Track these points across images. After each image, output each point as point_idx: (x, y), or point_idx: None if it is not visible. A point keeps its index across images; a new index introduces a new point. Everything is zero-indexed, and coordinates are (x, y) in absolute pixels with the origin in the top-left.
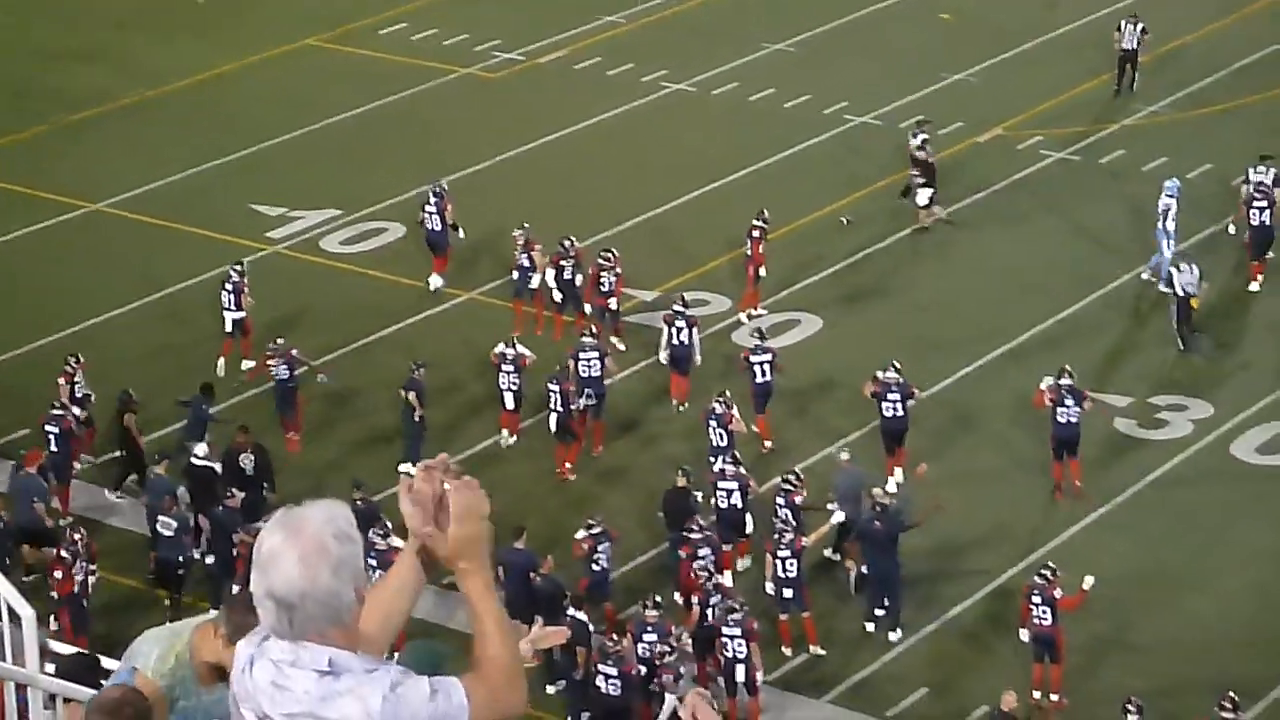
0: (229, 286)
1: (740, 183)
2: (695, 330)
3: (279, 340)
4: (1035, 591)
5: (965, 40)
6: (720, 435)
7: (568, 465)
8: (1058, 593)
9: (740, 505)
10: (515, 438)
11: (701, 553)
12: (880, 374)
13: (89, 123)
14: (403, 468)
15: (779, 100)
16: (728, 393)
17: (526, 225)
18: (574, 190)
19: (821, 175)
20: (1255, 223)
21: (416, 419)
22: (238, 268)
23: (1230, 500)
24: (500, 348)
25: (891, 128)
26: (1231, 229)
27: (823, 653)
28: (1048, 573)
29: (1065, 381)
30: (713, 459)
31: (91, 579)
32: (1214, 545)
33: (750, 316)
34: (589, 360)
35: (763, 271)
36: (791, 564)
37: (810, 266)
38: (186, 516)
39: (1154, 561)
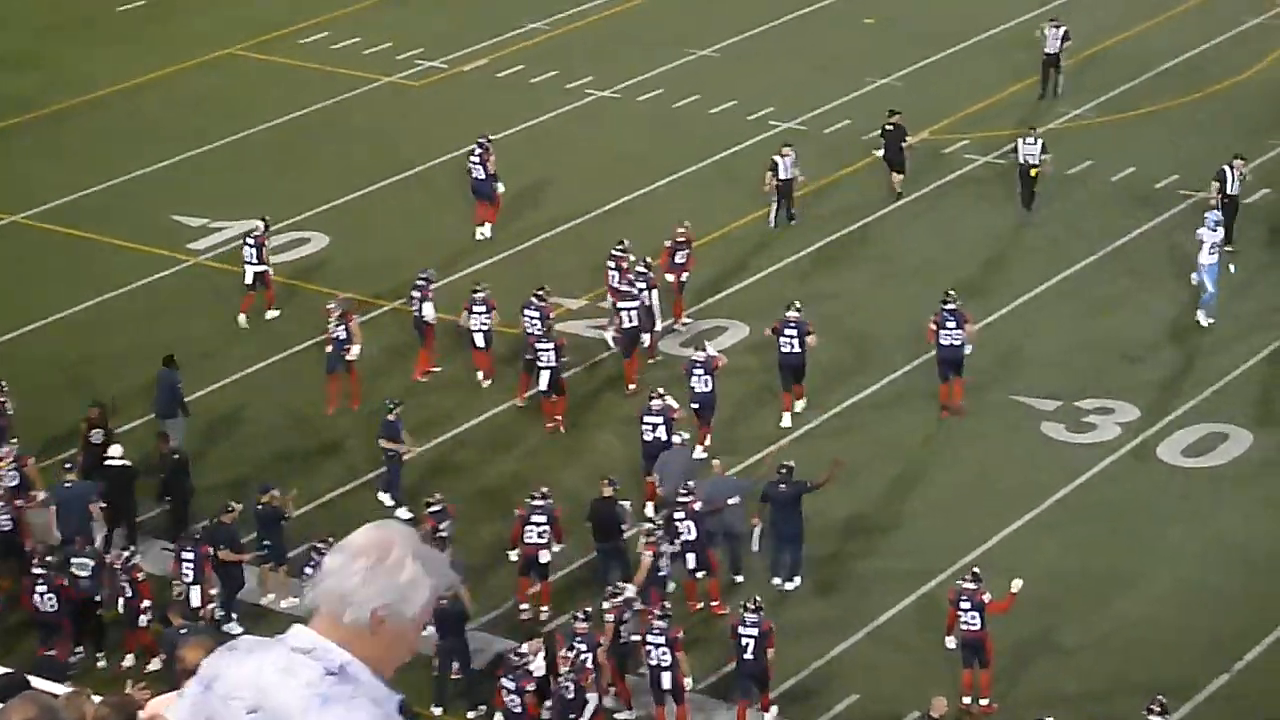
0: (250, 241)
1: (666, 189)
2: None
3: (344, 297)
4: (963, 597)
5: (890, 44)
6: (703, 381)
7: (559, 418)
8: (986, 597)
9: (665, 439)
10: (490, 380)
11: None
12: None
13: (9, 132)
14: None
15: (704, 106)
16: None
17: (428, 271)
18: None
19: (747, 181)
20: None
21: (392, 455)
22: (261, 221)
23: (1157, 502)
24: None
25: (817, 133)
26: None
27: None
28: (974, 577)
29: (949, 306)
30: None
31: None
32: (1141, 547)
33: (681, 325)
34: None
35: (685, 278)
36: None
37: (737, 273)
38: (100, 552)
39: (1081, 563)
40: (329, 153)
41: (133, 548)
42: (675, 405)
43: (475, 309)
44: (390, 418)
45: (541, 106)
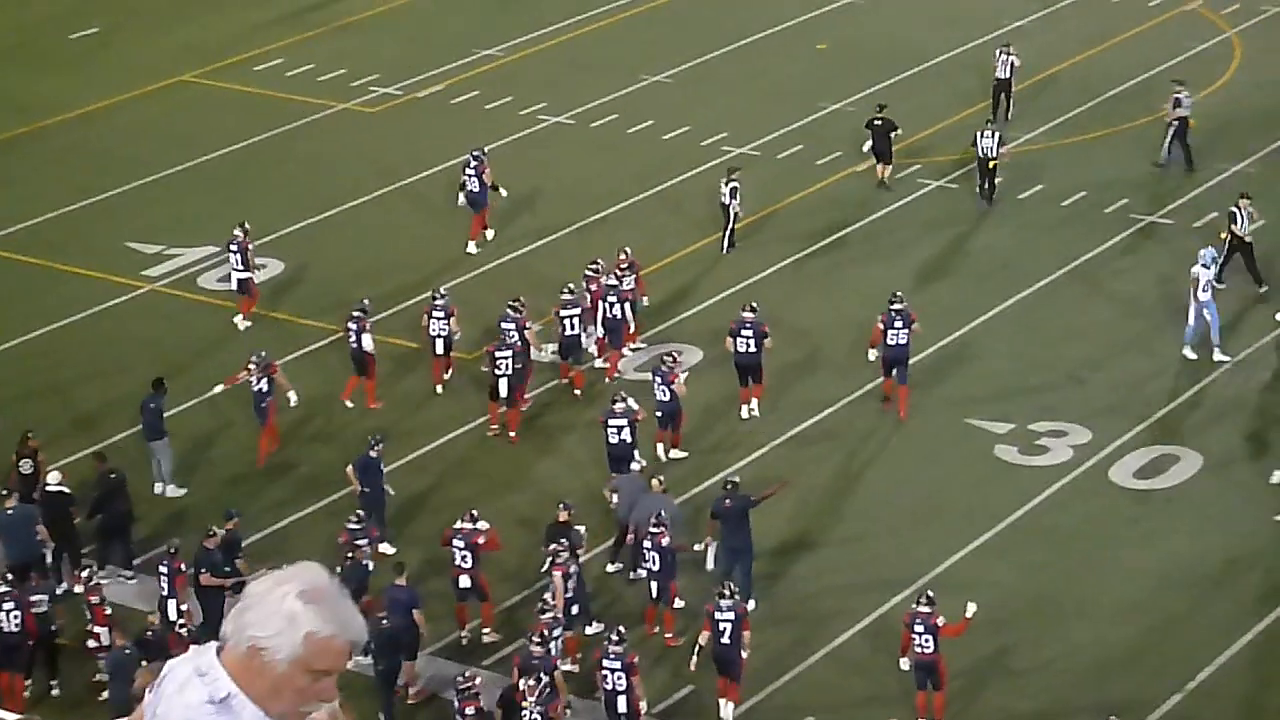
0: (234, 247)
1: (619, 215)
2: (627, 305)
3: (263, 353)
4: (917, 620)
5: (842, 70)
6: (664, 391)
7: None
8: (940, 620)
9: (629, 441)
10: (497, 428)
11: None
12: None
13: None
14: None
15: (658, 132)
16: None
17: (364, 301)
18: (454, 224)
19: (701, 207)
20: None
21: (376, 490)
22: (241, 227)
23: (1109, 524)
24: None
25: (770, 158)
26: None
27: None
28: (928, 600)
29: (895, 306)
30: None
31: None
32: (1093, 569)
33: (632, 349)
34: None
35: (644, 301)
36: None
37: (690, 298)
38: (53, 585)
39: (1035, 586)
40: (284, 179)
41: (94, 569)
42: (638, 408)
43: (435, 314)
44: (372, 454)
45: (496, 132)
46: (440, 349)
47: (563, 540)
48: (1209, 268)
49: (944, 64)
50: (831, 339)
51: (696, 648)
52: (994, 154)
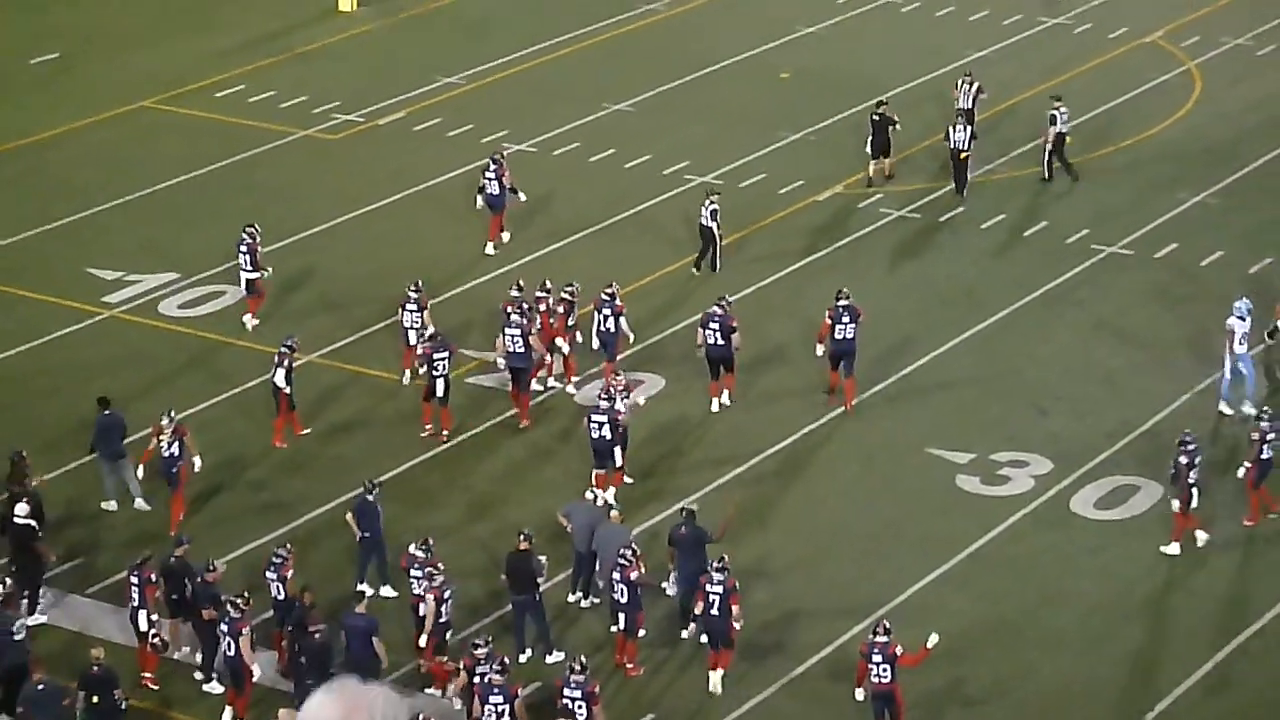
0: (243, 248)
1: (581, 243)
2: (622, 318)
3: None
4: (875, 649)
5: (804, 99)
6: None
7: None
8: (898, 650)
9: (609, 437)
10: (408, 376)
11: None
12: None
13: None
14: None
15: (619, 160)
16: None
17: (291, 338)
18: (416, 252)
19: (662, 234)
20: None
21: (376, 534)
22: (250, 229)
23: (1069, 554)
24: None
25: (732, 187)
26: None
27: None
28: (885, 630)
29: (842, 302)
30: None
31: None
32: (1054, 599)
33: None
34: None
35: (578, 338)
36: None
37: (653, 325)
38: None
39: (995, 616)
40: (244, 206)
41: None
42: (622, 409)
43: (408, 307)
44: (369, 498)
45: (457, 160)
46: (413, 340)
47: (439, 565)
48: (1245, 319)
49: (906, 94)
50: (791, 369)
51: (692, 617)
52: (965, 147)
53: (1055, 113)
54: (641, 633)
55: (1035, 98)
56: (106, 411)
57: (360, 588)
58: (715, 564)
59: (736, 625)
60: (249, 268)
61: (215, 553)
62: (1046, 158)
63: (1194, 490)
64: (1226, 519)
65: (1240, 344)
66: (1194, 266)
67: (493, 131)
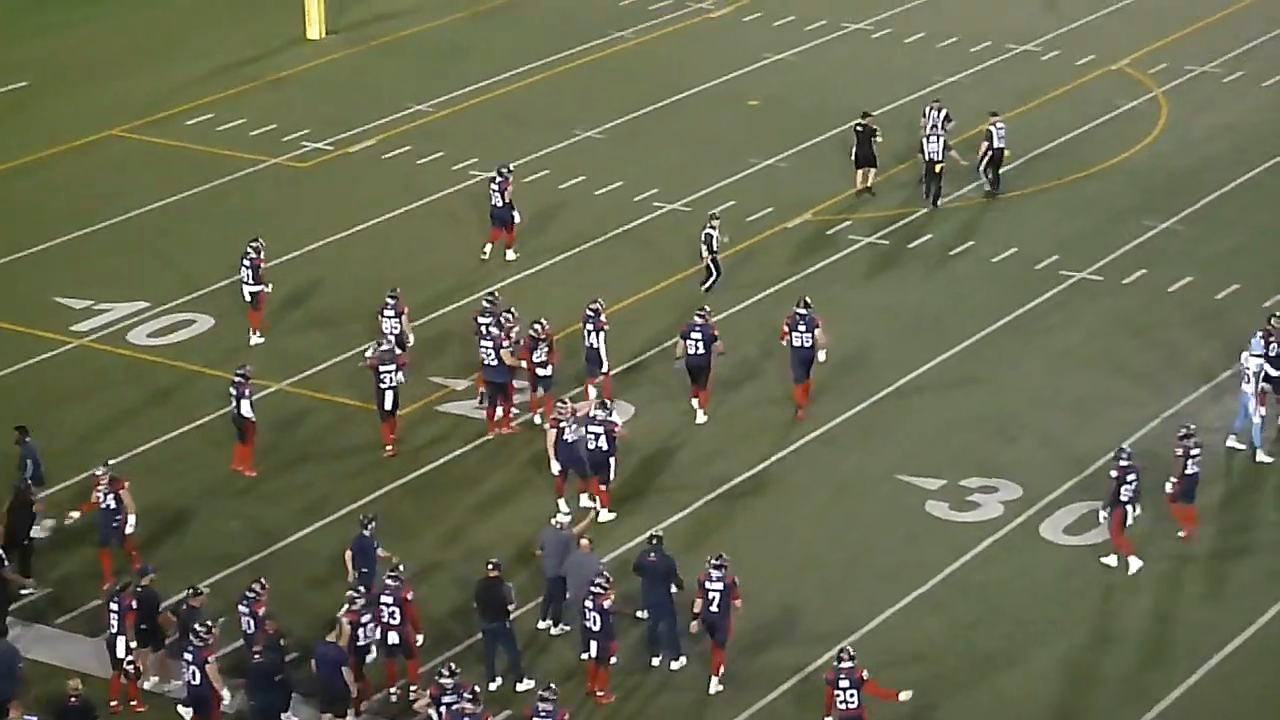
0: (246, 262)
1: (551, 271)
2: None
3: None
4: (841, 675)
5: (773, 126)
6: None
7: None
8: (864, 674)
9: (606, 448)
10: (391, 449)
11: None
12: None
13: None
14: None
15: (590, 187)
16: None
17: (245, 366)
18: (386, 280)
19: (632, 261)
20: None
21: (373, 571)
22: (255, 243)
23: (1039, 580)
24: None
25: (702, 214)
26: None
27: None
28: (849, 656)
29: (801, 310)
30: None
31: None
32: (1024, 625)
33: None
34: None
35: (549, 373)
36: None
37: (620, 354)
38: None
39: (965, 642)
40: (214, 234)
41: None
42: (617, 421)
43: (386, 313)
44: (365, 534)
45: (428, 188)
46: (392, 344)
47: (360, 589)
48: (1259, 357)
49: (875, 120)
50: (758, 394)
51: (694, 613)
52: (940, 157)
53: (992, 129)
54: (613, 660)
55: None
56: (27, 439)
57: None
58: (713, 560)
59: (733, 621)
60: (251, 281)
61: (183, 582)
62: (982, 170)
63: (1128, 508)
64: (1202, 547)
65: (1259, 382)
66: (1162, 293)
67: (463, 159)
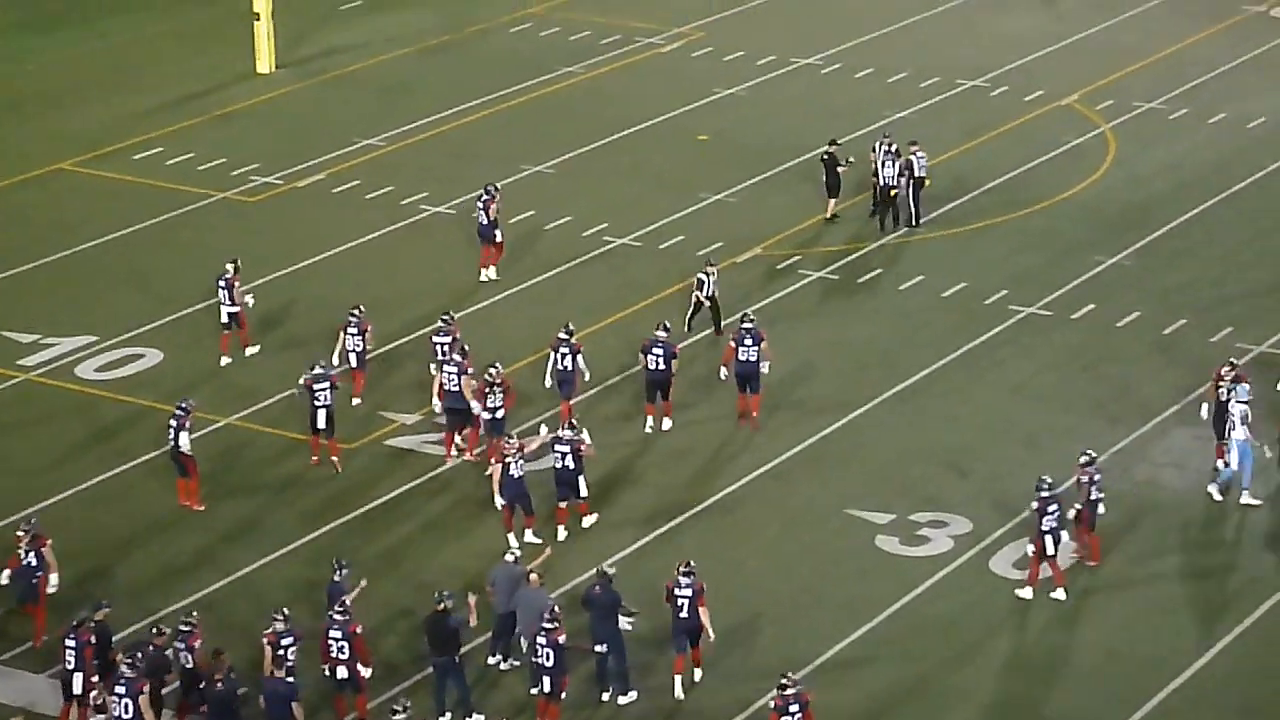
0: (222, 283)
1: (501, 305)
2: (579, 356)
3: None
4: (790, 703)
5: (723, 161)
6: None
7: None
8: (811, 696)
9: (574, 466)
10: (316, 459)
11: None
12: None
13: None
14: None
15: (539, 222)
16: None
17: (186, 400)
18: (336, 314)
19: (581, 297)
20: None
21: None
22: (232, 263)
23: (989, 614)
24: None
25: (651, 249)
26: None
27: None
28: (792, 683)
29: (746, 325)
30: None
31: None
32: (973, 659)
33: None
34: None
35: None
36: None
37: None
38: None
39: (914, 675)
40: (163, 268)
41: None
42: (586, 439)
43: (349, 330)
44: (336, 578)
45: (377, 222)
46: (354, 363)
47: (284, 610)
48: (1246, 402)
49: (820, 157)
50: (708, 430)
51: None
52: (894, 183)
53: (914, 158)
54: (563, 695)
55: (952, 160)
56: None
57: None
58: (682, 568)
59: (706, 625)
60: (228, 302)
61: (131, 616)
62: (910, 200)
63: (1048, 538)
64: (1148, 580)
65: (1242, 429)
66: (1111, 327)
67: (412, 193)
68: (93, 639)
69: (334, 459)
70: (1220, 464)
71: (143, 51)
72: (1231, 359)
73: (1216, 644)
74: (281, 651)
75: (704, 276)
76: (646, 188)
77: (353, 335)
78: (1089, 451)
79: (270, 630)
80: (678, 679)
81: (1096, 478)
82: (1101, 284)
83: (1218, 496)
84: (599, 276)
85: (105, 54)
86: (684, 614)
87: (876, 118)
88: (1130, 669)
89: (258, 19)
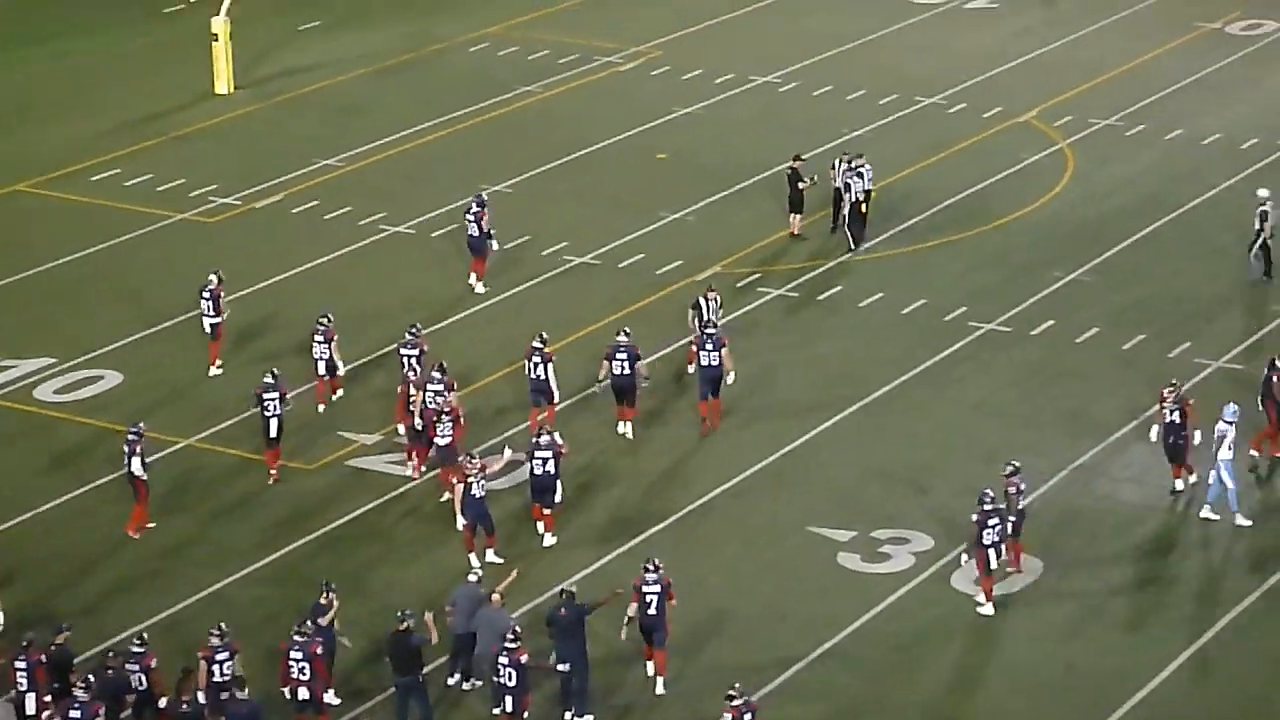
0: (206, 294)
1: (461, 324)
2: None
3: None
4: (745, 712)
5: (682, 180)
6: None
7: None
8: (758, 705)
9: (553, 471)
10: (275, 474)
11: None
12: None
13: None
14: None
15: (499, 240)
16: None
17: (138, 425)
18: (293, 336)
19: (539, 318)
20: None
21: (329, 641)
22: (215, 274)
23: (951, 631)
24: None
25: (611, 267)
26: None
27: None
28: (739, 694)
29: (709, 331)
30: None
31: None
32: (935, 675)
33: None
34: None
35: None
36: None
37: (524, 409)
38: None
39: (876, 693)
40: (121, 290)
41: None
42: (562, 442)
43: (316, 338)
44: (322, 601)
45: (335, 243)
46: (322, 370)
47: (222, 625)
48: (1232, 423)
49: (784, 174)
50: (672, 444)
51: (626, 619)
52: (862, 197)
53: (863, 170)
54: (525, 714)
55: (912, 177)
56: None
57: (328, 697)
58: (648, 565)
59: (669, 624)
60: (212, 313)
61: (90, 639)
62: (846, 217)
63: (990, 551)
64: (1109, 594)
65: (1227, 450)
66: (1070, 343)
67: (370, 214)
68: (43, 658)
69: (272, 470)
70: (1180, 483)
71: (100, 72)
72: (1174, 380)
73: (1177, 658)
74: (216, 667)
75: (703, 300)
76: (605, 206)
77: (319, 343)
78: (1013, 462)
79: (206, 646)
80: (649, 664)
81: (1022, 487)
82: (1060, 300)
83: (1213, 516)
84: (559, 295)
85: (63, 75)
86: (652, 610)
87: (835, 135)
88: (1091, 683)
89: (216, 40)
